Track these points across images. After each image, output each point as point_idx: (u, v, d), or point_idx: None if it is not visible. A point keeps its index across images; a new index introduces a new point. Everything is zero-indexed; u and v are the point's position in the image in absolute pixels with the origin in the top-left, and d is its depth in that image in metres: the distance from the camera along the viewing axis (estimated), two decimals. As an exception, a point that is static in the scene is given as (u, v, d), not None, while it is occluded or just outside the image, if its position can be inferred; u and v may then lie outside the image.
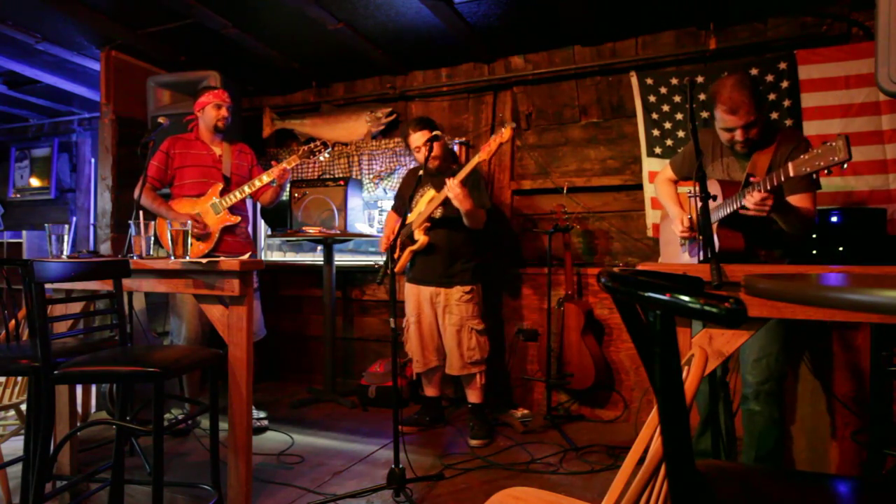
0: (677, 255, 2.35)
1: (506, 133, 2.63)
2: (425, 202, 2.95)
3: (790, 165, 1.77)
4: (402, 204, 3.14)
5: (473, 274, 2.99)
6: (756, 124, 2.03)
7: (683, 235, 2.21)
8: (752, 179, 1.93)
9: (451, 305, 2.94)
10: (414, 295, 3.06)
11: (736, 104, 1.99)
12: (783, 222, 2.00)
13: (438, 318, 3.00)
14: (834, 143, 1.68)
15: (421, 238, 2.94)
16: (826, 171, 1.71)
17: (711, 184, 2.09)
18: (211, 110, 2.99)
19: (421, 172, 2.79)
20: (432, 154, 2.88)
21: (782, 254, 2.13)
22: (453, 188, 2.70)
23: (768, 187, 1.83)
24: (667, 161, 2.55)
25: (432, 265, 2.98)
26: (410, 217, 3.02)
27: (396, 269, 3.04)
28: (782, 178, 1.79)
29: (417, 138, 2.95)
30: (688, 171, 2.37)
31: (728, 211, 1.99)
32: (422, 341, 3.04)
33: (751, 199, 1.86)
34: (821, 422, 2.31)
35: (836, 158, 1.68)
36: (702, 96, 3.03)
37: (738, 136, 2.05)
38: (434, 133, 2.85)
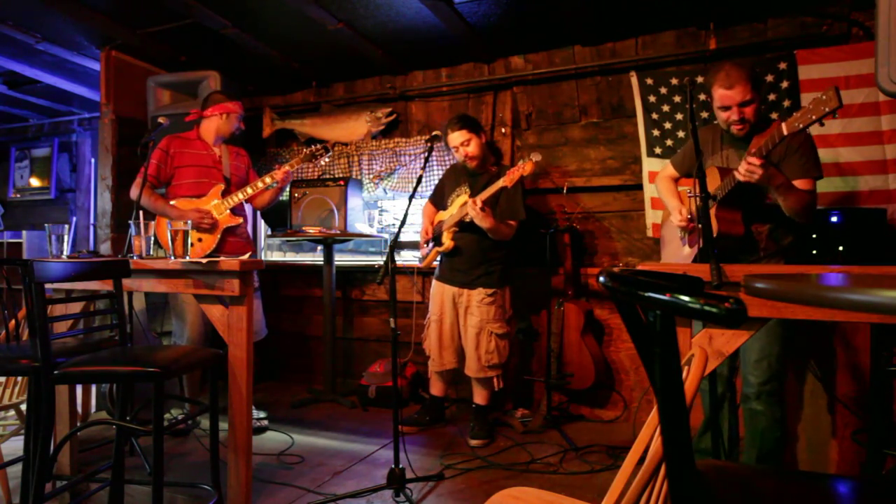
0: (679, 251, 2.36)
1: (527, 167, 2.73)
2: (458, 205, 3.01)
3: (783, 125, 1.79)
4: (439, 197, 3.21)
5: (499, 277, 2.99)
6: (752, 103, 2.05)
7: (681, 226, 2.23)
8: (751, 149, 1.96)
9: (472, 307, 2.95)
10: (439, 294, 3.08)
11: (733, 80, 2.02)
12: (782, 200, 2.00)
13: (460, 318, 3.00)
14: (824, 95, 1.69)
15: (447, 242, 3.00)
16: (819, 123, 1.72)
17: (710, 171, 2.11)
18: (234, 120, 3.07)
19: (420, 171, 2.78)
20: (469, 154, 2.97)
21: (773, 227, 2.12)
22: (474, 208, 2.75)
23: (763, 153, 1.85)
24: (667, 161, 2.56)
25: (457, 266, 3.01)
26: (443, 215, 3.11)
27: (424, 265, 3.17)
28: (776, 140, 1.82)
29: (455, 138, 2.98)
30: (688, 168, 2.38)
31: (727, 190, 2.02)
32: (440, 341, 3.04)
33: (743, 166, 1.88)
34: (822, 422, 2.31)
35: (828, 108, 1.68)
36: (702, 96, 3.02)
37: (734, 114, 2.06)
38: (433, 133, 2.85)
